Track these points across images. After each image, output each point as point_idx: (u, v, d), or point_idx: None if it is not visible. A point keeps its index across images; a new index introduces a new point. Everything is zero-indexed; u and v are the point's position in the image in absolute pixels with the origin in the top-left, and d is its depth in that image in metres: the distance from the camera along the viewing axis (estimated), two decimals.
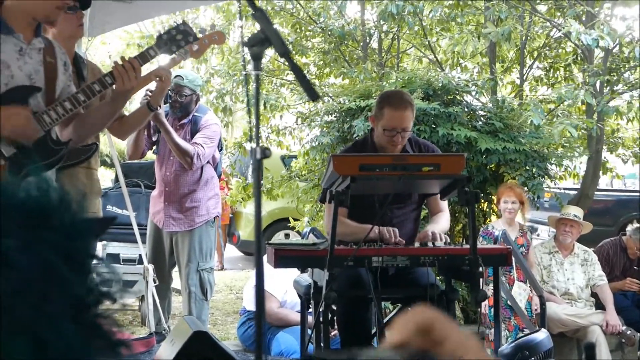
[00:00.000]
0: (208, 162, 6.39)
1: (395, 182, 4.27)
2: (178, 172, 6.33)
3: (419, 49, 11.78)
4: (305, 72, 11.89)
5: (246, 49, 2.43)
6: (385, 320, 4.92)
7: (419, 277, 4.80)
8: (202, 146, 6.22)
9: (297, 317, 6.15)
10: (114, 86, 3.94)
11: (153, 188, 6.99)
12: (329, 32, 10.47)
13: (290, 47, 10.55)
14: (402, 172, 4.20)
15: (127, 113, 5.29)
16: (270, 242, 4.76)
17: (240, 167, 11.98)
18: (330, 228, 4.21)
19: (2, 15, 3.65)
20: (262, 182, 2.41)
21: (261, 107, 9.84)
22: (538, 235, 13.19)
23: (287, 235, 12.63)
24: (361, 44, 11.12)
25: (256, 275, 2.31)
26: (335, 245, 4.20)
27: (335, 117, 8.56)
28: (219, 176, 6.82)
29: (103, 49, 18.97)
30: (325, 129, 8.68)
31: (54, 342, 0.93)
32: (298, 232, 10.69)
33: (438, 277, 5.12)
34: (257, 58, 2.38)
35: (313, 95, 2.37)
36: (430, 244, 4.56)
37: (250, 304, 7.13)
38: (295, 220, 10.39)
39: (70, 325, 0.96)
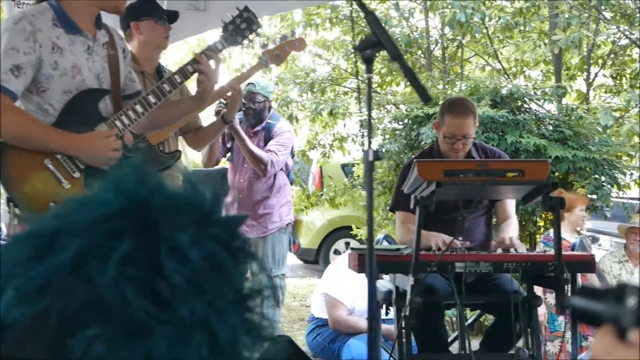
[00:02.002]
0: (281, 169, 6.41)
1: (479, 188, 4.26)
2: (252, 179, 6.36)
3: (482, 57, 11.75)
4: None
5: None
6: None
7: (501, 283, 4.78)
8: (275, 153, 6.24)
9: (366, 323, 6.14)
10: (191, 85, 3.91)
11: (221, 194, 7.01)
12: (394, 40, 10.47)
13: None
14: (487, 178, 4.19)
15: (203, 124, 5.32)
16: (353, 247, 4.77)
17: (302, 175, 12.01)
18: (415, 233, 4.22)
19: (65, 10, 3.47)
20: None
21: (325, 114, 10.03)
22: (600, 245, 13.02)
23: (347, 244, 12.64)
24: (424, 51, 11.12)
25: (368, 286, 2.32)
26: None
27: (402, 124, 8.56)
28: (292, 183, 6.84)
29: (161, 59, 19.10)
30: (391, 136, 8.68)
31: (225, 336, 0.95)
32: (360, 240, 10.70)
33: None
34: (369, 61, 2.40)
35: (426, 97, 2.38)
36: (512, 250, 4.55)
37: (318, 311, 7.13)
38: (357, 228, 10.40)
39: (237, 319, 0.99)
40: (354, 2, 2.52)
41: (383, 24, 9.25)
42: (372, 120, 2.33)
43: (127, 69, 3.82)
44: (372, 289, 2.29)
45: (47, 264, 0.92)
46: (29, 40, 3.33)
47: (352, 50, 10.69)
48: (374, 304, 2.39)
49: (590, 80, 10.51)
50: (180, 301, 0.91)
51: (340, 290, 6.73)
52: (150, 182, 1.01)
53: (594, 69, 10.80)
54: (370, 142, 2.36)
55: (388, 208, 8.27)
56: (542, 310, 6.05)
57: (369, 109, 2.36)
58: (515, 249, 4.58)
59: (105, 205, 0.97)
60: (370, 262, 2.37)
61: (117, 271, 0.90)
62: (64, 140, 3.43)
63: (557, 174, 7.94)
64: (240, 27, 4.05)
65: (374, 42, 2.38)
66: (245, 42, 4.18)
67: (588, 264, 4.59)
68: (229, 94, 4.72)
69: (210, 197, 1.04)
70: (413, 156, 5.80)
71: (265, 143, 6.35)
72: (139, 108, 3.64)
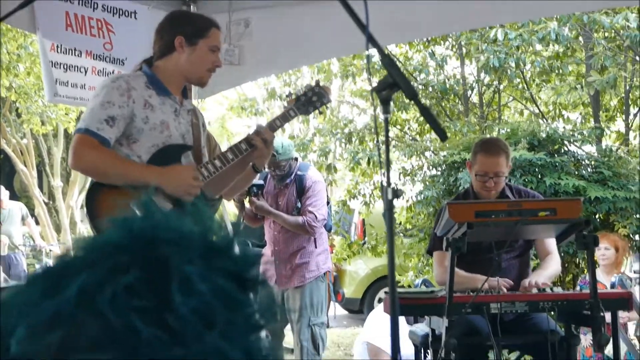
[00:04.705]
0: None
1: (511, 228, 4.26)
2: (287, 230, 6.44)
3: (520, 101, 11.76)
4: (406, 128, 12.00)
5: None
6: None
7: (538, 322, 4.75)
8: (311, 212, 6.33)
9: None
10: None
11: (259, 246, 7.07)
12: (431, 88, 10.53)
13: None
14: (519, 218, 4.20)
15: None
16: (386, 291, 4.78)
17: (344, 224, 12.02)
18: (448, 275, 4.23)
19: (157, 76, 3.92)
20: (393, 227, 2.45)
21: (364, 164, 10.07)
22: None
23: None
24: (461, 98, 11.16)
25: (391, 325, 2.34)
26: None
27: (440, 170, 8.59)
28: (329, 231, 6.87)
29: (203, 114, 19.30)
30: (429, 182, 8.71)
31: None
32: (402, 286, 10.65)
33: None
34: (386, 102, 2.45)
35: (442, 135, 2.42)
36: (548, 290, 4.54)
37: None
38: (400, 275, 10.38)
39: (250, 345, 1.02)
40: (370, 45, 2.57)
41: (419, 72, 9.26)
42: (390, 159, 2.36)
43: (204, 141, 4.21)
44: (394, 327, 2.31)
45: (54, 299, 0.96)
46: (123, 96, 3.79)
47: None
48: (397, 343, 2.40)
49: (629, 121, 10.45)
50: (190, 335, 0.95)
51: (382, 338, 6.71)
52: (156, 218, 1.05)
53: (633, 110, 10.75)
54: (389, 180, 2.39)
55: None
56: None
57: (387, 148, 2.39)
58: (541, 289, 4.56)
59: (111, 242, 1.01)
60: (393, 301, 2.40)
61: (122, 303, 0.94)
62: (148, 171, 3.81)
63: (598, 215, 7.90)
64: (312, 99, 4.32)
65: (391, 83, 2.43)
66: (316, 112, 4.47)
67: (625, 302, 4.55)
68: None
69: (221, 231, 1.08)
70: (448, 199, 5.82)
71: (298, 194, 6.42)
72: (217, 162, 4.02)
